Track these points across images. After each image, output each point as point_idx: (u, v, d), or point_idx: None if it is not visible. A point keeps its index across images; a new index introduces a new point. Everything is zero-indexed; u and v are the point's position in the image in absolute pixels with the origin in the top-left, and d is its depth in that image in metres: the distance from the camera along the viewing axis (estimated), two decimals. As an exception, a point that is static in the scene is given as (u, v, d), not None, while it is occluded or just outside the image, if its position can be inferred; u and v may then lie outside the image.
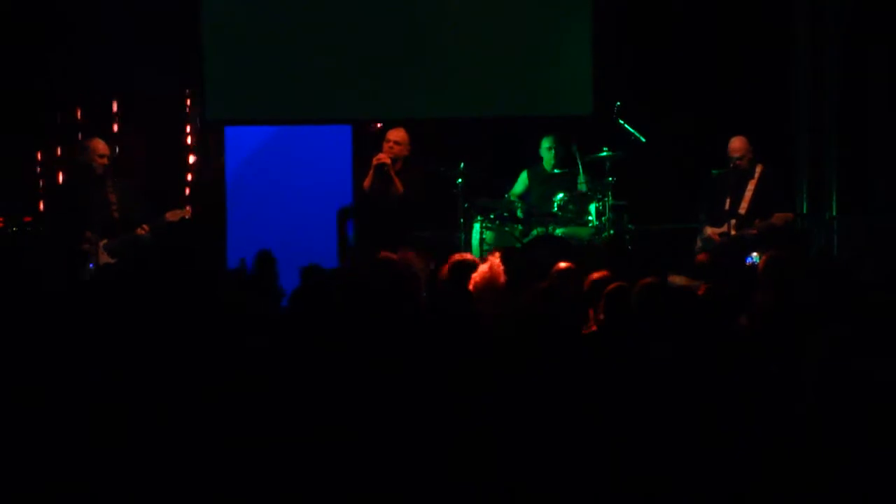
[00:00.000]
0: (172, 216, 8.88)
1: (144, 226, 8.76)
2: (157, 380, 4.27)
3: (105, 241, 8.74)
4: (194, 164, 10.33)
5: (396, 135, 9.47)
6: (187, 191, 10.23)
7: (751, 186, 9.02)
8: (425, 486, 3.89)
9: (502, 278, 5.96)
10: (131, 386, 4.24)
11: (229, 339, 4.60)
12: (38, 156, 9.91)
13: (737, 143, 9.07)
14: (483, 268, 5.90)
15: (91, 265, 8.56)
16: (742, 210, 8.99)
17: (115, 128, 9.97)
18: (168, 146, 10.20)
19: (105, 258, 8.67)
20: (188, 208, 9.08)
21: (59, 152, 9.74)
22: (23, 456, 4.00)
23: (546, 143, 9.90)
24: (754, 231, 8.81)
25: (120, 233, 8.73)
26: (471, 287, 5.95)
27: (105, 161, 8.83)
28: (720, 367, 4.44)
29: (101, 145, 8.89)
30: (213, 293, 5.65)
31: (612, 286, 5.41)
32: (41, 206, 9.43)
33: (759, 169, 9.07)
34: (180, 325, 4.80)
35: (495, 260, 5.94)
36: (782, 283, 5.61)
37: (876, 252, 9.26)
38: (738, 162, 9.02)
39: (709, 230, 9.04)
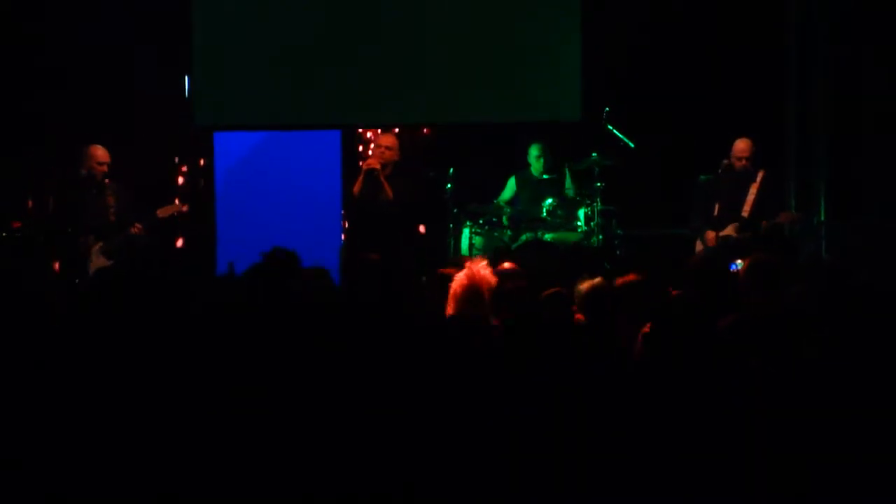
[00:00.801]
0: (164, 213, 8.95)
1: (137, 224, 8.83)
2: (153, 381, 4.27)
3: (100, 244, 8.79)
4: (183, 168, 10.35)
5: (386, 140, 9.47)
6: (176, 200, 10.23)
7: (753, 190, 8.98)
8: (420, 486, 3.90)
9: (490, 280, 5.81)
10: (128, 387, 4.24)
11: (226, 338, 4.58)
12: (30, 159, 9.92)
13: (743, 145, 9.01)
14: (459, 276, 5.74)
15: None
16: (745, 213, 8.97)
17: (106, 132, 9.96)
18: (158, 151, 10.21)
19: (101, 261, 8.72)
20: (177, 202, 9.10)
21: (50, 156, 9.72)
22: (22, 456, 4.01)
23: (535, 152, 9.92)
24: (761, 232, 8.79)
25: (115, 235, 8.81)
26: (450, 300, 5.76)
27: (104, 168, 8.91)
28: (702, 369, 4.44)
29: (100, 152, 8.94)
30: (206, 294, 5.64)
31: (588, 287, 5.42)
32: (30, 211, 9.42)
33: (760, 174, 9.03)
34: (174, 326, 4.80)
35: (474, 266, 5.79)
36: (766, 286, 5.62)
37: (867, 256, 9.27)
38: (743, 163, 8.97)
39: (710, 234, 9.02)
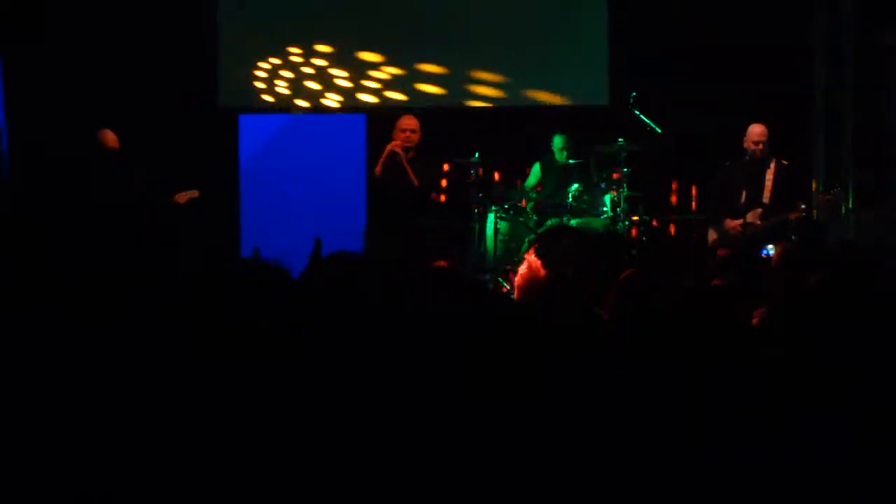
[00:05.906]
0: (181, 198, 8.92)
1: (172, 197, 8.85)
2: (155, 368, 4.22)
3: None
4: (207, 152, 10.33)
5: (410, 122, 9.36)
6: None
7: (769, 176, 8.97)
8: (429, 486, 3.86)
9: (542, 272, 5.79)
10: (128, 377, 4.19)
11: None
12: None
13: (759, 129, 9.01)
14: (522, 269, 5.74)
15: None
16: (766, 199, 8.95)
17: (128, 115, 9.95)
18: (181, 134, 10.19)
19: None
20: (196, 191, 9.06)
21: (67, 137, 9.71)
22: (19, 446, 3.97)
23: (558, 144, 9.87)
24: (795, 215, 8.76)
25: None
26: (516, 295, 5.79)
27: (117, 147, 8.89)
28: (734, 360, 4.38)
29: (110, 135, 8.94)
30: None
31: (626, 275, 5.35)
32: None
33: (773, 161, 9.02)
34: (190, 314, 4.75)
35: (531, 257, 5.79)
36: (798, 274, 5.57)
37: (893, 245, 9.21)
38: (760, 147, 8.95)
39: (729, 222, 8.98)
